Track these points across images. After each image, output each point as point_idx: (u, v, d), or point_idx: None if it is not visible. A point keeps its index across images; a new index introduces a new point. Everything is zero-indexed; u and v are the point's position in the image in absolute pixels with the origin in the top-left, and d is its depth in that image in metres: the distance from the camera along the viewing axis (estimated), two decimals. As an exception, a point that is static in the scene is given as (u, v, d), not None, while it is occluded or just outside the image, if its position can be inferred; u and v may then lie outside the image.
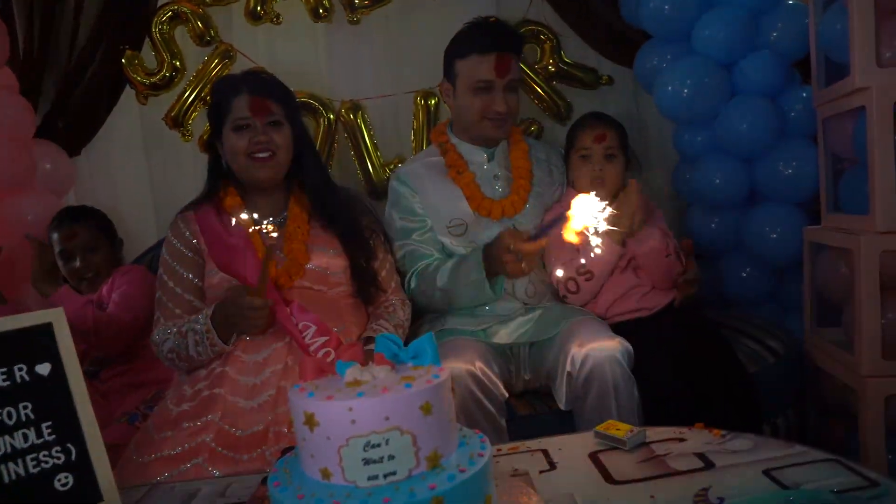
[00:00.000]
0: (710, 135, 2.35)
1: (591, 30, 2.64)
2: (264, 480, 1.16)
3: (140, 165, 2.71)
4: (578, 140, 2.00)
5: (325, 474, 0.83)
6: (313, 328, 1.54)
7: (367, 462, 0.80)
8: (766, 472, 1.04)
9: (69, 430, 1.01)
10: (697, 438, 1.18)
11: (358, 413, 0.80)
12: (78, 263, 2.17)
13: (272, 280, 1.58)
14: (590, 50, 2.68)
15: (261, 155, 1.64)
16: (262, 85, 1.67)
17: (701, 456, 1.11)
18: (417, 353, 0.93)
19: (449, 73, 1.99)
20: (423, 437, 0.82)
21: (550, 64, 2.66)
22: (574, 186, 2.02)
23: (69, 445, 1.00)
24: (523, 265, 1.57)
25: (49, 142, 2.54)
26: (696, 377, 1.66)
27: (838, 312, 2.03)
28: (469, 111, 1.93)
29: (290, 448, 1.27)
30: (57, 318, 1.05)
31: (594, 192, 1.50)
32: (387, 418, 0.80)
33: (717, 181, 2.33)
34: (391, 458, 0.81)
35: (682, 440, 1.18)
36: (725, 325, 2.12)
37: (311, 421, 0.83)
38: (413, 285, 1.89)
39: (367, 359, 0.93)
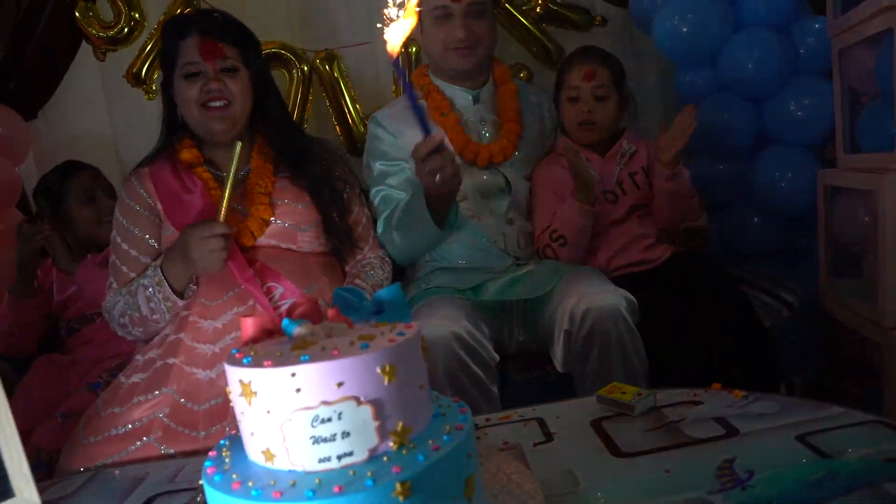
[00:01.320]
0: (713, 74, 2.17)
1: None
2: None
3: (103, 126, 2.54)
4: (566, 79, 1.84)
5: (268, 456, 0.67)
6: (280, 289, 1.39)
7: (316, 441, 0.64)
8: (800, 438, 0.88)
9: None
10: (716, 401, 1.03)
11: (303, 380, 0.64)
12: (102, 206, 2.03)
13: (235, 237, 1.42)
14: (581, -12, 2.48)
15: (214, 104, 1.47)
16: (214, 25, 1.49)
17: (721, 421, 0.96)
18: (381, 306, 0.77)
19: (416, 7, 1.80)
20: (385, 408, 0.65)
21: (539, 5, 2.46)
22: (563, 131, 1.85)
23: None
24: (437, 179, 1.42)
25: (1, 105, 2.36)
26: (708, 333, 1.51)
27: (857, 262, 1.88)
28: (432, 42, 1.77)
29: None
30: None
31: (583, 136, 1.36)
32: (339, 384, 0.64)
33: (722, 124, 2.15)
34: (346, 435, 0.64)
35: (697, 403, 1.03)
36: (734, 277, 1.97)
37: (247, 391, 0.67)
38: (381, 229, 1.72)
39: (323, 316, 0.77)
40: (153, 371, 1.34)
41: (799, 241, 2.24)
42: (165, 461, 1.16)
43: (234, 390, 0.69)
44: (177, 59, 1.48)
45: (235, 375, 0.68)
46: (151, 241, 1.49)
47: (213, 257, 1.33)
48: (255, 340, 0.76)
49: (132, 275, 1.48)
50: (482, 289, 1.63)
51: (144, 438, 1.23)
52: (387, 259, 1.67)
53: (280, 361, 0.65)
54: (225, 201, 1.34)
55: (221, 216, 1.34)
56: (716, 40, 2.10)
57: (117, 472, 1.11)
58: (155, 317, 1.41)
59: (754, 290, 1.94)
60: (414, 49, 2.39)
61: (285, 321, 0.74)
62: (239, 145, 1.33)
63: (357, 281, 1.54)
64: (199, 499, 0.91)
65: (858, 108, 1.94)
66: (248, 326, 0.76)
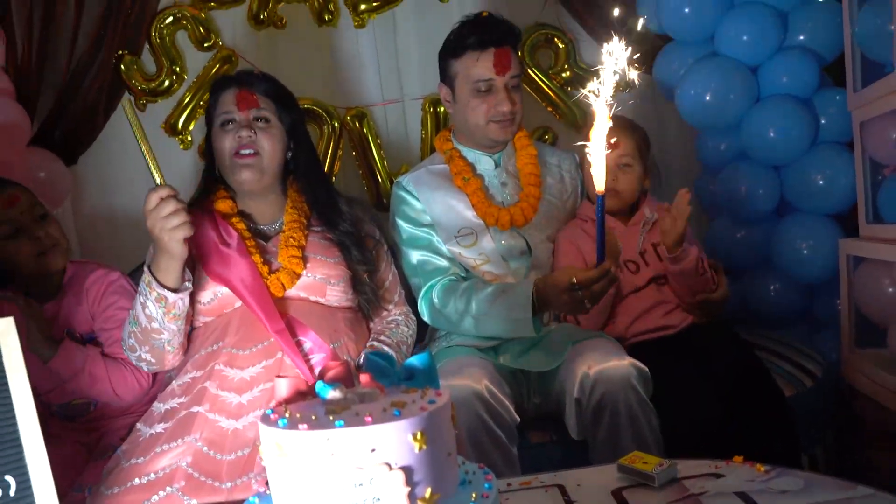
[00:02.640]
0: (735, 142, 2.22)
1: (607, 33, 2.50)
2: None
3: (139, 174, 2.58)
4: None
5: (299, 518, 0.69)
6: (308, 343, 1.42)
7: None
8: (824, 518, 0.88)
9: (10, 457, 0.87)
10: (737, 474, 1.03)
11: (337, 445, 0.66)
12: (39, 234, 1.65)
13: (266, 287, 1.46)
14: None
15: (244, 152, 1.53)
16: (251, 78, 1.59)
17: (743, 496, 0.96)
18: (412, 373, 0.80)
19: (445, 75, 1.87)
20: (416, 474, 0.68)
21: (565, 69, 2.54)
22: (589, 198, 1.89)
23: (7, 477, 0.86)
24: (587, 303, 1.47)
25: (44, 150, 2.44)
26: (726, 402, 1.51)
27: (880, 331, 1.87)
28: (473, 115, 1.81)
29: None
30: (5, 329, 0.92)
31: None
32: (372, 451, 0.66)
33: (744, 191, 2.18)
34: (377, 500, 0.67)
35: (719, 476, 1.03)
36: (754, 344, 1.96)
37: (282, 453, 0.69)
38: (437, 302, 1.73)
39: (354, 379, 0.79)
40: (176, 420, 1.35)
41: (820, 308, 2.24)
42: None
43: (268, 450, 0.72)
44: (216, 110, 1.56)
45: (271, 437, 0.70)
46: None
47: (174, 227, 1.31)
48: (288, 401, 0.79)
49: None
50: (502, 349, 1.65)
51: (168, 488, 1.23)
52: (411, 317, 1.70)
53: (315, 425, 0.68)
54: (150, 162, 1.32)
55: (157, 179, 1.33)
56: (738, 109, 2.15)
57: (142, 521, 1.13)
58: (154, 325, 1.40)
59: (776, 357, 1.94)
60: (442, 108, 2.47)
61: (319, 384, 0.77)
62: (128, 104, 1.33)
63: (382, 338, 1.56)
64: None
65: (880, 178, 1.97)
66: (283, 387, 0.79)
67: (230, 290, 1.47)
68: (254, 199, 1.60)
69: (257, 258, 1.49)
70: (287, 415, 0.73)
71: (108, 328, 1.66)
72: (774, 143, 2.10)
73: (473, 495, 0.71)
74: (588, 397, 1.45)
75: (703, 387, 1.54)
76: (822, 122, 2.14)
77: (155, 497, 1.22)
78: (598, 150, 1.32)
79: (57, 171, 2.47)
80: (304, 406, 0.77)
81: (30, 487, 0.87)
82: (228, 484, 1.24)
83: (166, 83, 2.50)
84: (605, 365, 1.46)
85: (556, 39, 2.52)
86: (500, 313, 1.62)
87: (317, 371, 1.36)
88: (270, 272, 1.49)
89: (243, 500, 1.17)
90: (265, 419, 0.73)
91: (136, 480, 1.26)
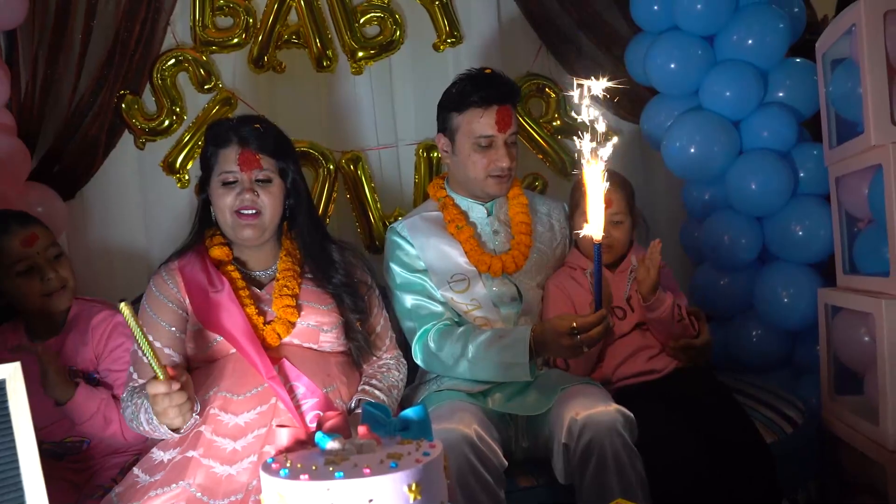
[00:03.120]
0: (719, 192, 2.30)
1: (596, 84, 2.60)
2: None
3: (135, 210, 2.64)
4: (582, 203, 1.91)
5: (298, 565, 0.73)
6: (301, 388, 1.45)
7: (345, 553, 0.70)
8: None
9: (12, 502, 0.90)
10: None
11: (336, 495, 0.70)
12: (51, 276, 1.69)
13: (261, 338, 1.49)
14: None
15: (246, 212, 1.55)
16: (254, 137, 1.56)
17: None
18: (407, 424, 0.84)
19: (445, 127, 1.91)
20: (410, 524, 0.72)
21: (555, 118, 2.63)
22: (578, 248, 1.94)
23: (13, 521, 0.89)
24: (584, 347, 1.53)
25: (43, 185, 2.47)
26: (709, 447, 1.55)
27: (859, 379, 1.93)
28: (473, 168, 1.86)
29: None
30: (12, 374, 0.96)
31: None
32: (370, 501, 0.70)
33: (727, 240, 2.26)
34: (372, 549, 0.71)
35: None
36: (736, 390, 2.01)
37: (284, 502, 0.73)
38: (433, 346, 1.76)
39: (352, 427, 0.83)
40: (171, 464, 1.37)
41: (801, 354, 2.29)
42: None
43: (269, 499, 0.75)
44: (215, 166, 1.57)
45: (272, 486, 0.74)
46: (177, 334, 1.53)
47: (180, 411, 1.31)
48: (288, 450, 0.83)
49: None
50: (491, 393, 1.69)
51: None
52: (402, 361, 1.73)
53: (316, 476, 0.72)
54: (152, 360, 1.26)
55: (160, 375, 1.27)
56: (721, 161, 2.23)
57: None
58: (155, 434, 1.42)
59: (757, 403, 1.98)
60: (435, 154, 2.54)
61: (318, 435, 0.80)
62: (124, 307, 1.18)
63: (374, 382, 1.59)
64: None
65: (856, 231, 2.04)
66: (283, 437, 0.83)
67: (224, 338, 1.50)
68: (247, 248, 1.63)
69: (252, 309, 1.51)
70: (288, 465, 0.76)
71: (116, 370, 1.70)
72: (756, 195, 2.18)
73: (464, 544, 0.76)
74: (575, 442, 1.49)
75: (686, 432, 1.59)
76: (802, 175, 2.22)
77: None
78: (594, 203, 1.37)
79: (54, 205, 2.50)
80: (304, 456, 0.81)
81: (32, 529, 0.90)
82: None
83: (166, 123, 2.56)
84: (592, 411, 1.49)
85: (547, 89, 2.62)
86: (496, 358, 1.66)
87: (308, 416, 1.39)
88: (265, 322, 1.51)
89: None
90: (266, 468, 0.77)
91: None
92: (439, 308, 1.82)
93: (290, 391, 1.43)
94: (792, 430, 1.86)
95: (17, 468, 0.91)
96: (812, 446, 1.96)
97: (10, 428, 0.93)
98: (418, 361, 1.82)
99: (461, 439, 1.45)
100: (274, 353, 1.49)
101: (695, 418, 1.63)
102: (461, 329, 1.76)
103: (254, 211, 1.55)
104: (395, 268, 1.88)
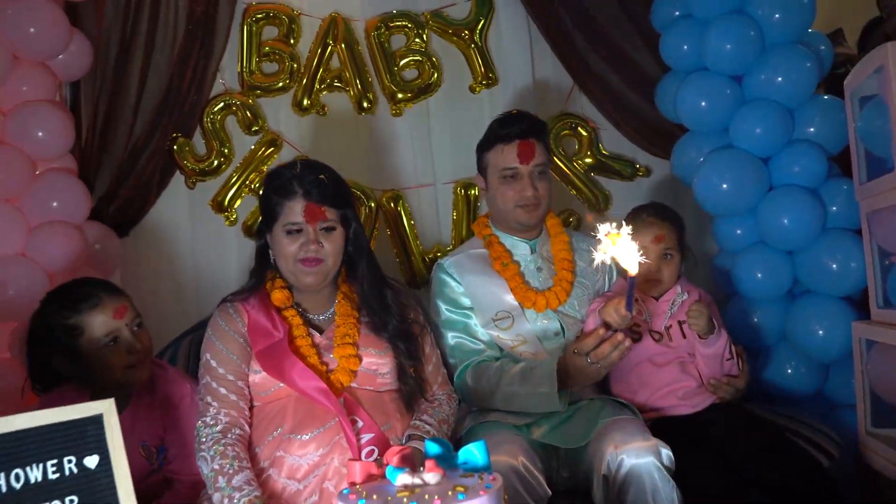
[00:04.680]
0: (750, 227, 2.34)
1: (627, 122, 2.69)
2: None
3: (185, 247, 2.76)
4: (635, 237, 1.97)
5: (374, 587, 0.80)
6: (360, 423, 1.53)
7: (418, 576, 0.78)
8: None
9: (112, 526, 0.99)
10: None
11: (410, 524, 0.78)
12: (138, 348, 1.69)
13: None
14: (626, 141, 2.72)
15: (308, 261, 1.62)
16: (319, 190, 1.62)
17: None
18: (468, 458, 0.92)
19: (480, 166, 2.07)
20: (476, 549, 0.79)
21: (588, 155, 2.71)
22: (624, 277, 2.00)
23: (111, 544, 0.98)
24: (599, 367, 1.63)
25: (100, 223, 2.61)
26: (752, 474, 1.60)
27: None
28: (501, 200, 1.99)
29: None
30: (108, 409, 1.06)
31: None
32: (440, 530, 0.78)
33: (759, 274, 2.30)
34: (444, 573, 0.78)
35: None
36: (776, 424, 2.04)
37: (360, 530, 0.81)
38: (470, 382, 1.86)
39: (416, 458, 0.91)
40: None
41: (834, 387, 2.31)
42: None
43: (347, 527, 0.83)
44: (279, 215, 1.62)
45: (351, 514, 0.82)
46: (243, 367, 1.61)
47: None
48: (361, 483, 0.91)
49: (232, 397, 1.57)
50: (535, 425, 1.76)
51: None
52: (454, 396, 1.80)
53: (391, 506, 0.80)
54: None
55: None
56: (751, 198, 2.28)
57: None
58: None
59: (792, 436, 2.00)
60: (473, 192, 2.64)
61: (389, 469, 0.88)
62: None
63: (425, 417, 1.66)
64: None
65: (888, 264, 2.07)
66: (356, 471, 0.91)
67: (286, 385, 1.56)
68: (306, 292, 1.71)
69: (315, 359, 1.58)
70: (364, 495, 0.84)
71: (185, 454, 1.70)
72: (787, 230, 2.22)
73: (524, 570, 0.83)
74: (615, 474, 1.55)
75: (719, 463, 1.64)
76: (834, 209, 2.25)
77: None
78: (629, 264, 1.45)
79: (111, 243, 2.63)
80: (376, 487, 0.88)
81: (128, 552, 0.99)
82: None
83: (215, 164, 2.69)
84: (631, 444, 1.55)
85: (579, 128, 2.71)
86: (527, 390, 1.74)
87: (365, 451, 1.47)
88: (328, 371, 1.59)
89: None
90: (343, 498, 0.85)
91: None
92: (480, 346, 1.92)
93: (352, 425, 1.51)
94: (829, 462, 1.89)
95: (116, 493, 1.01)
96: (850, 479, 1.98)
97: (108, 456, 1.02)
98: (458, 396, 1.90)
99: (508, 470, 1.52)
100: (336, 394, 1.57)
101: (730, 448, 1.68)
102: (496, 364, 1.85)
103: (317, 260, 1.62)
104: (441, 304, 1.98)
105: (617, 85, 2.67)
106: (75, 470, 1.00)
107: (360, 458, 1.41)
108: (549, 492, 1.60)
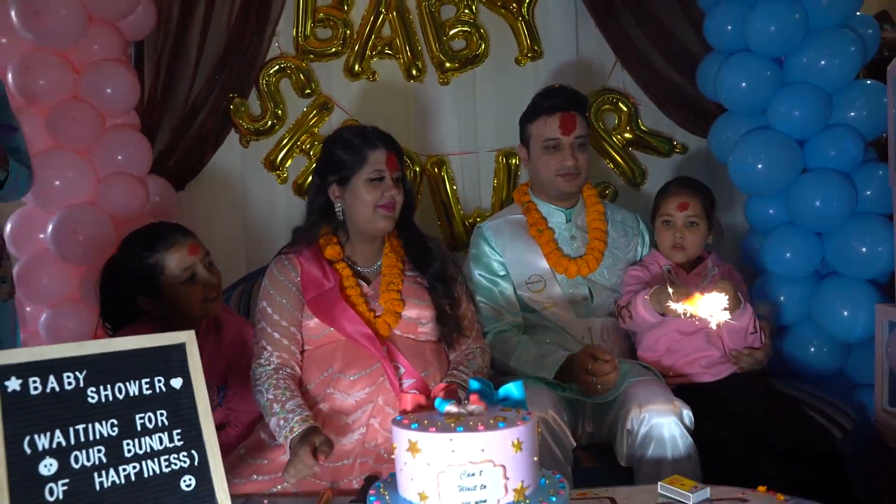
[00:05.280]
0: (781, 208, 2.40)
1: (667, 100, 2.75)
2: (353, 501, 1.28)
3: (237, 203, 2.91)
4: (662, 206, 2.09)
5: (423, 497, 0.94)
6: (402, 370, 1.68)
7: (461, 489, 0.92)
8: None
9: (194, 438, 1.15)
10: (760, 500, 1.24)
11: (457, 444, 0.92)
12: (213, 282, 1.82)
13: (374, 329, 1.70)
14: (665, 118, 2.79)
15: (388, 207, 1.75)
16: (394, 144, 1.81)
17: (763, 516, 1.17)
18: (507, 396, 1.05)
19: (523, 137, 2.18)
20: (512, 470, 0.93)
21: (627, 130, 2.78)
22: (657, 248, 2.12)
23: (193, 452, 1.14)
24: (599, 387, 1.74)
25: (159, 177, 2.77)
26: (766, 441, 1.71)
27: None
28: (543, 169, 2.09)
29: (373, 477, 1.39)
30: (189, 339, 1.21)
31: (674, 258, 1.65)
32: (482, 450, 0.91)
33: (788, 254, 2.37)
34: (483, 487, 0.92)
35: (744, 500, 1.24)
36: (790, 396, 2.14)
37: (413, 448, 0.94)
38: (490, 344, 1.99)
39: (459, 395, 1.05)
40: None
41: (854, 367, 2.39)
42: (304, 496, 1.44)
43: (400, 446, 0.97)
44: (363, 166, 1.74)
45: (404, 435, 0.96)
46: (296, 314, 1.75)
47: (293, 472, 1.46)
48: (412, 411, 1.05)
49: (284, 342, 1.72)
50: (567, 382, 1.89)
51: (280, 487, 1.54)
52: (486, 350, 1.92)
53: (441, 429, 0.94)
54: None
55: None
56: (785, 179, 2.34)
57: (265, 501, 1.40)
58: (271, 428, 1.60)
59: (809, 409, 2.09)
60: (514, 161, 2.74)
61: (437, 400, 1.02)
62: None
63: (461, 368, 1.78)
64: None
65: (918, 250, 2.13)
66: (408, 401, 1.05)
67: (336, 329, 1.71)
68: (360, 244, 1.83)
69: (363, 307, 1.72)
70: (416, 421, 0.98)
71: (243, 394, 1.83)
72: (817, 212, 2.28)
73: (551, 490, 0.96)
74: (638, 429, 1.67)
75: (735, 427, 1.75)
76: (867, 193, 2.30)
77: (273, 489, 1.53)
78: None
79: (169, 196, 2.79)
80: (426, 415, 1.02)
81: (206, 458, 1.15)
82: (328, 483, 1.54)
83: (269, 124, 2.83)
84: (655, 403, 1.68)
85: (620, 103, 2.78)
86: (532, 370, 1.88)
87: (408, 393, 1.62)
88: (376, 316, 1.73)
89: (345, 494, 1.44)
90: (398, 423, 0.99)
91: (255, 477, 1.57)
92: (502, 315, 2.05)
93: (394, 370, 1.66)
94: (841, 435, 1.98)
95: (197, 413, 1.16)
96: (862, 453, 2.07)
97: (190, 379, 1.18)
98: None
99: (539, 420, 1.64)
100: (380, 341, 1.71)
101: (747, 414, 1.79)
102: (515, 339, 1.99)
103: (393, 206, 1.76)
104: (473, 268, 2.11)
105: (659, 63, 2.73)
106: (164, 389, 1.16)
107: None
108: (574, 443, 1.74)
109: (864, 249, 2.28)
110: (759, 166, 2.34)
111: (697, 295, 1.60)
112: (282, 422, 1.55)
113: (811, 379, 2.40)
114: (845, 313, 2.31)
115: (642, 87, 2.76)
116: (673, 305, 1.67)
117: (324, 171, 1.81)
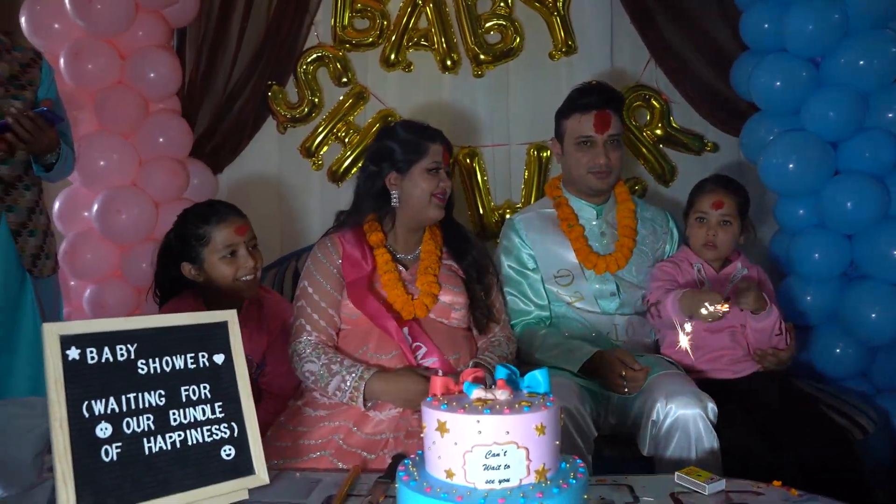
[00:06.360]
0: (812, 209, 2.40)
1: (700, 98, 2.76)
2: (380, 479, 1.34)
3: (272, 188, 2.99)
4: (697, 202, 2.10)
5: (449, 474, 1.00)
6: (424, 349, 1.75)
7: (486, 468, 0.97)
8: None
9: (234, 411, 1.22)
10: (775, 494, 1.27)
11: (484, 426, 0.97)
12: (249, 265, 1.88)
13: (411, 311, 1.79)
14: (697, 116, 2.79)
15: (441, 197, 1.86)
16: (446, 139, 1.93)
17: (777, 510, 1.20)
18: (532, 383, 1.09)
19: (557, 132, 2.20)
20: (534, 452, 0.98)
21: (658, 127, 2.80)
22: (688, 245, 2.14)
23: (233, 423, 1.21)
24: (626, 390, 1.78)
25: (198, 160, 2.86)
26: (784, 439, 1.73)
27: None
28: (575, 166, 2.12)
29: (400, 455, 1.46)
30: (231, 318, 1.28)
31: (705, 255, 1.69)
32: (507, 433, 0.96)
33: (817, 255, 2.37)
34: (507, 466, 0.97)
35: (759, 494, 1.28)
36: (812, 396, 2.16)
37: (442, 428, 1.00)
38: (517, 336, 2.05)
39: (486, 380, 1.10)
40: (336, 407, 1.72)
41: (878, 370, 2.39)
42: (334, 472, 1.50)
43: (430, 426, 1.02)
44: (424, 157, 1.85)
45: (434, 416, 1.01)
46: (336, 296, 1.84)
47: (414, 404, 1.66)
48: (441, 393, 1.10)
49: (321, 323, 1.80)
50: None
51: (321, 453, 1.63)
52: (512, 339, 1.99)
53: (469, 411, 0.99)
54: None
55: None
56: (816, 180, 2.34)
57: (298, 474, 1.46)
58: (334, 399, 1.72)
59: (831, 411, 2.11)
60: (546, 154, 2.78)
61: (466, 383, 1.07)
62: None
63: (486, 354, 1.85)
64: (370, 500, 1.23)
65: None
66: (437, 384, 1.10)
67: (363, 313, 1.80)
68: (405, 232, 1.92)
69: (401, 290, 1.81)
70: (445, 402, 1.03)
71: (279, 372, 1.93)
72: (848, 214, 2.28)
73: (572, 473, 1.01)
74: (662, 421, 1.70)
75: (756, 425, 1.77)
76: (899, 196, 2.30)
77: (313, 455, 1.62)
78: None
79: (206, 179, 2.88)
80: (455, 397, 1.07)
81: (245, 430, 1.22)
82: (366, 454, 1.62)
83: (306, 111, 2.89)
84: (680, 396, 1.71)
85: (652, 100, 2.79)
86: (556, 362, 1.90)
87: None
88: (413, 299, 1.81)
89: (377, 468, 1.50)
90: (427, 404, 1.04)
91: (302, 441, 1.65)
92: (530, 307, 2.10)
93: (415, 350, 1.75)
94: (862, 437, 2.00)
95: (237, 387, 1.24)
96: (883, 455, 2.08)
97: (231, 356, 1.25)
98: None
99: (561, 408, 1.69)
100: (415, 325, 1.79)
101: (768, 412, 1.81)
102: (542, 332, 2.02)
103: (446, 196, 1.87)
104: (503, 260, 2.15)
105: (693, 60, 2.73)
106: (207, 364, 1.23)
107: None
108: (595, 433, 1.78)
109: (894, 253, 2.28)
110: (791, 166, 2.35)
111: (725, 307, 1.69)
112: (346, 377, 1.67)
113: (834, 381, 2.41)
114: (873, 316, 2.31)
115: (675, 85, 2.76)
116: (704, 312, 1.73)
117: (381, 160, 1.89)
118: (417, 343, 1.77)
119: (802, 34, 2.33)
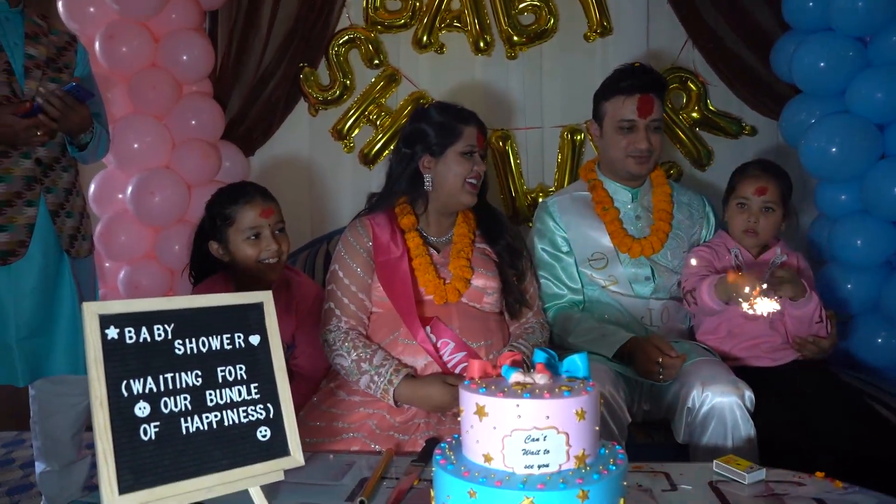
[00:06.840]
0: (855, 194, 2.33)
1: (738, 80, 2.69)
2: (414, 462, 1.34)
3: (303, 170, 2.99)
4: (739, 187, 2.04)
5: (487, 458, 0.98)
6: (451, 345, 1.73)
7: (525, 452, 0.95)
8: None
9: (270, 392, 1.22)
10: (817, 486, 1.24)
11: (523, 410, 0.95)
12: (273, 248, 1.87)
13: (443, 295, 1.78)
14: (734, 99, 2.73)
15: (474, 181, 1.83)
16: (481, 122, 1.90)
17: (820, 501, 1.17)
18: (571, 367, 1.08)
19: (597, 114, 2.15)
20: (574, 437, 0.96)
21: (695, 110, 2.73)
22: (727, 230, 2.09)
23: (269, 405, 1.21)
24: (661, 377, 1.74)
25: (230, 143, 2.87)
26: (823, 429, 1.70)
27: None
28: (614, 149, 2.07)
29: (434, 439, 1.45)
30: (267, 299, 1.28)
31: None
32: (547, 417, 0.95)
33: (860, 242, 2.31)
34: (546, 452, 0.95)
35: (801, 485, 1.25)
36: (855, 387, 2.11)
37: (481, 412, 0.98)
38: (551, 321, 2.03)
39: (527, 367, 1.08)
40: (372, 395, 1.72)
41: (923, 359, 2.33)
42: (368, 454, 1.51)
43: (468, 409, 1.01)
44: (459, 139, 1.81)
45: (472, 399, 1.00)
46: (367, 280, 1.83)
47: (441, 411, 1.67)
48: (478, 377, 1.09)
49: (352, 307, 1.81)
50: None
51: (355, 434, 1.63)
52: (546, 325, 1.97)
53: (508, 395, 0.97)
54: None
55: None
56: (861, 165, 2.27)
57: (332, 456, 1.47)
58: (360, 386, 1.73)
59: (871, 400, 2.06)
60: (579, 137, 2.73)
61: (505, 367, 1.06)
62: None
63: (520, 341, 1.83)
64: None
65: None
66: (475, 368, 1.09)
67: (389, 299, 1.79)
68: (437, 216, 1.89)
69: (433, 274, 1.79)
70: (484, 385, 1.02)
71: (309, 353, 1.95)
72: (894, 201, 2.21)
73: (611, 460, 0.99)
74: (698, 408, 1.68)
75: (795, 414, 1.74)
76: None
77: (347, 435, 1.63)
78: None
79: (239, 161, 2.89)
80: (493, 381, 1.06)
81: (280, 411, 1.22)
82: (398, 436, 1.62)
83: (337, 94, 2.88)
84: (717, 383, 1.68)
85: (689, 82, 2.73)
86: (589, 346, 1.86)
87: (458, 368, 1.72)
88: (445, 283, 1.79)
89: (410, 451, 1.51)
90: (466, 388, 1.03)
91: (336, 423, 1.66)
92: (563, 291, 2.07)
93: (441, 348, 1.74)
94: (903, 428, 1.95)
95: (272, 368, 1.24)
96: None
97: (267, 337, 1.25)
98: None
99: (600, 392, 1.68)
100: (447, 311, 1.78)
101: (807, 401, 1.78)
102: (577, 316, 2.00)
103: (479, 182, 1.85)
104: (537, 243, 2.13)
105: (731, 41, 2.66)
106: (243, 345, 1.23)
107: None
108: (629, 419, 1.76)
109: (940, 241, 2.22)
110: (834, 150, 2.27)
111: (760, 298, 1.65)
112: (375, 378, 1.67)
113: (875, 371, 2.35)
114: (918, 305, 2.25)
115: (712, 67, 2.70)
116: (740, 299, 1.68)
117: (415, 143, 1.86)
118: (444, 339, 1.75)
119: (851, 12, 2.25)
